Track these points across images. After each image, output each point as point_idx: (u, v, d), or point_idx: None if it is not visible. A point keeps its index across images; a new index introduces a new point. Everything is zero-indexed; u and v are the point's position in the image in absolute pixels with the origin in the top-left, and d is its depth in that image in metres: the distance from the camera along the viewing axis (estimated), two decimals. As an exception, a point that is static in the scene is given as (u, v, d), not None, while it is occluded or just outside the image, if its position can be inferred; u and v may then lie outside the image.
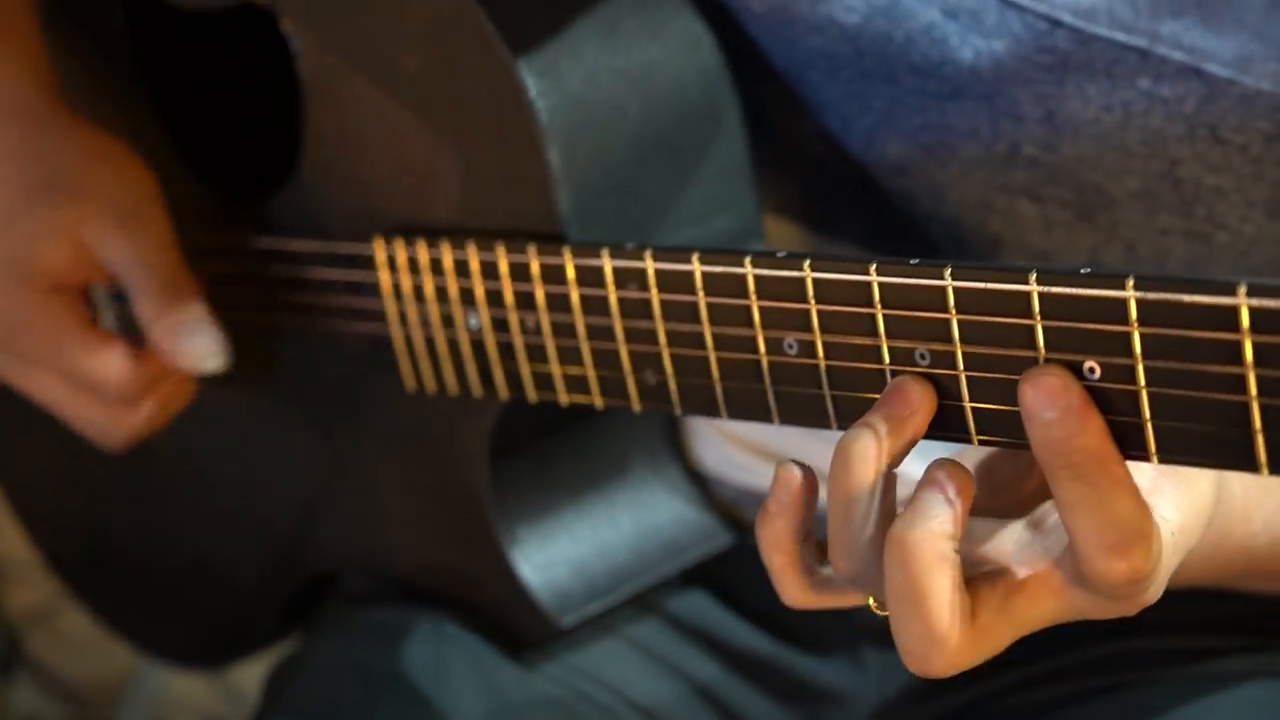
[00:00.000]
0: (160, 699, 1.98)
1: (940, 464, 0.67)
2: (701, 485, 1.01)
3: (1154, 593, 0.67)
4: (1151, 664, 0.93)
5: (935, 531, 0.65)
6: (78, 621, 2.01)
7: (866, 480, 0.68)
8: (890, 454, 0.68)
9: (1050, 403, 0.64)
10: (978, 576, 0.68)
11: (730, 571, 1.02)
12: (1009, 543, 0.69)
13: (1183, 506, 0.68)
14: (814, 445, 0.98)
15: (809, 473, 0.71)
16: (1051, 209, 0.88)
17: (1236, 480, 0.73)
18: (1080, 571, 0.66)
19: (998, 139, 0.87)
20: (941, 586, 0.65)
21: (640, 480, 0.99)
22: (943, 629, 0.66)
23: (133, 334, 1.00)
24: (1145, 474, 0.67)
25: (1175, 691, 0.93)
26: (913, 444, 0.69)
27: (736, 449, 1.00)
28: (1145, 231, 0.87)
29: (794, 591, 0.73)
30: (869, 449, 0.68)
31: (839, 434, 0.89)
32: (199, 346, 0.97)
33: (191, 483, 1.14)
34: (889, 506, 0.68)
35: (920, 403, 0.68)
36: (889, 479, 0.68)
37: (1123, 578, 0.65)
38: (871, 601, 0.72)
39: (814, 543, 0.73)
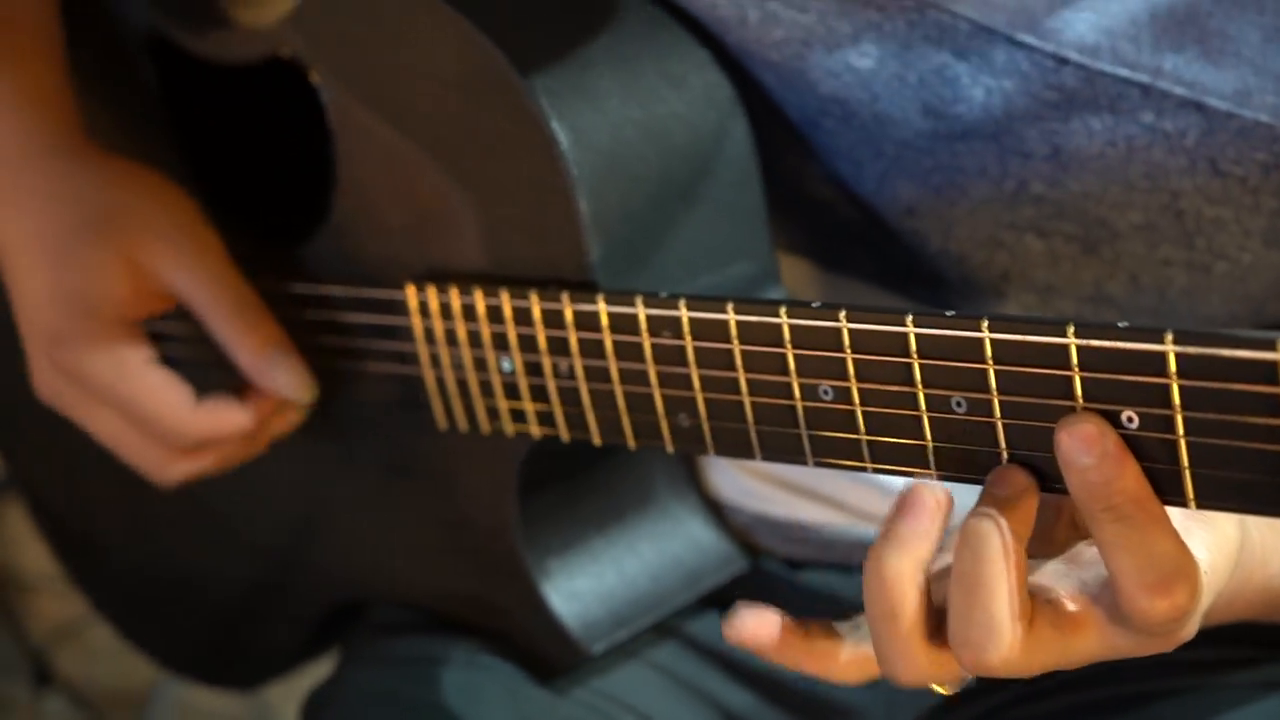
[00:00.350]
0: (182, 706, 1.95)
1: (1005, 469, 0.65)
2: (718, 513, 0.98)
3: (1189, 630, 0.65)
4: (1160, 675, 0.90)
5: (996, 526, 0.63)
6: (102, 634, 1.99)
7: (909, 598, 0.65)
8: (922, 561, 0.65)
9: (1087, 449, 0.62)
10: (1033, 598, 0.65)
11: (744, 594, 0.99)
12: (1048, 579, 0.67)
13: (1211, 547, 0.66)
14: (835, 478, 0.96)
15: (755, 616, 0.70)
16: (1058, 243, 0.86)
17: (1254, 526, 0.71)
18: (1122, 610, 0.64)
19: (1006, 177, 0.85)
20: (1004, 575, 0.63)
21: (661, 511, 0.97)
22: (1003, 621, 0.63)
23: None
24: (1174, 516, 0.65)
25: (1184, 703, 0.91)
26: (936, 544, 0.66)
27: (751, 478, 0.98)
28: (1148, 263, 0.86)
29: (849, 676, 0.71)
30: (905, 571, 0.65)
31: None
32: (288, 374, 0.93)
33: (222, 513, 1.11)
34: (930, 615, 0.66)
35: (938, 509, 0.66)
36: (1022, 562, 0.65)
37: (1164, 615, 0.63)
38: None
39: (822, 631, 0.71)
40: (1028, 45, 0.82)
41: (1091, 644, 0.65)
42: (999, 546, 0.63)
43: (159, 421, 0.95)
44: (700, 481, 0.98)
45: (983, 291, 0.89)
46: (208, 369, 0.96)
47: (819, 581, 0.98)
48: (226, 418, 0.95)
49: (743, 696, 0.98)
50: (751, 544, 0.99)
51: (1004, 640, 0.64)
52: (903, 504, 0.66)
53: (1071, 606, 0.65)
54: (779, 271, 0.90)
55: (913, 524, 0.65)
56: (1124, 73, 0.81)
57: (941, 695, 0.70)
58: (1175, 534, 0.62)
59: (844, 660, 0.71)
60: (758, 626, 0.70)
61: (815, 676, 0.72)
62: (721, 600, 1.00)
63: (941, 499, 0.66)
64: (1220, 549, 0.67)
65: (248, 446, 0.98)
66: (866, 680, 0.71)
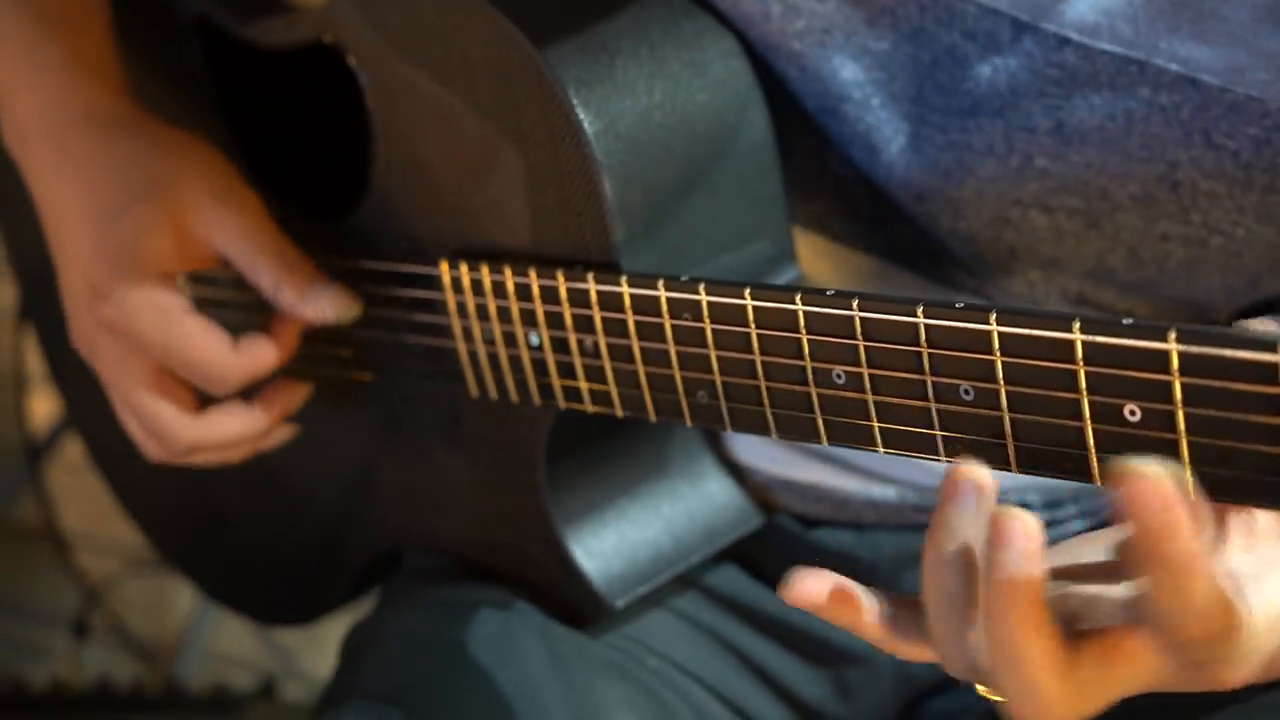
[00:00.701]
0: (211, 655, 1.96)
1: (1006, 514, 0.60)
2: (735, 472, 0.97)
3: (1245, 673, 0.62)
4: None
5: (1020, 590, 0.59)
6: (136, 589, 2.00)
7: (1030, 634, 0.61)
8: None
9: (1145, 505, 0.57)
10: (1078, 632, 0.62)
11: (759, 548, 0.98)
12: (1110, 603, 0.64)
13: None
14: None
15: (824, 579, 0.68)
16: (1061, 218, 0.84)
17: None
18: (1162, 634, 0.61)
19: (1012, 152, 0.83)
20: (1039, 647, 0.60)
21: (679, 472, 0.95)
22: (1043, 684, 0.60)
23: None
24: (1250, 560, 0.63)
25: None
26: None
27: (769, 443, 0.96)
28: (1146, 238, 0.84)
29: (952, 644, 0.66)
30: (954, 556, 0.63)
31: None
32: (332, 300, 0.92)
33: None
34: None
35: (986, 487, 0.62)
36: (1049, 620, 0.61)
37: (1200, 638, 0.59)
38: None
39: (872, 596, 0.69)
40: (1032, 26, 0.80)
41: (1146, 669, 0.62)
42: (1023, 618, 0.60)
43: (201, 365, 0.93)
44: (718, 443, 0.97)
45: (990, 267, 0.87)
46: (236, 330, 0.94)
47: (831, 539, 0.97)
48: (262, 355, 0.93)
49: (759, 643, 0.97)
50: (767, 502, 0.97)
51: (1047, 703, 0.61)
52: (948, 490, 0.63)
53: (1122, 633, 0.62)
54: (795, 251, 0.88)
55: (962, 507, 0.62)
56: (1122, 51, 0.79)
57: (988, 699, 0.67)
58: (1213, 581, 0.58)
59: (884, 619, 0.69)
60: (819, 584, 0.68)
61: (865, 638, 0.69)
62: (738, 554, 0.99)
63: (985, 481, 0.62)
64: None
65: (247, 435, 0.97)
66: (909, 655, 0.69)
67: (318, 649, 1.93)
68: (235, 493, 1.16)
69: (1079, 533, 0.72)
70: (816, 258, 0.91)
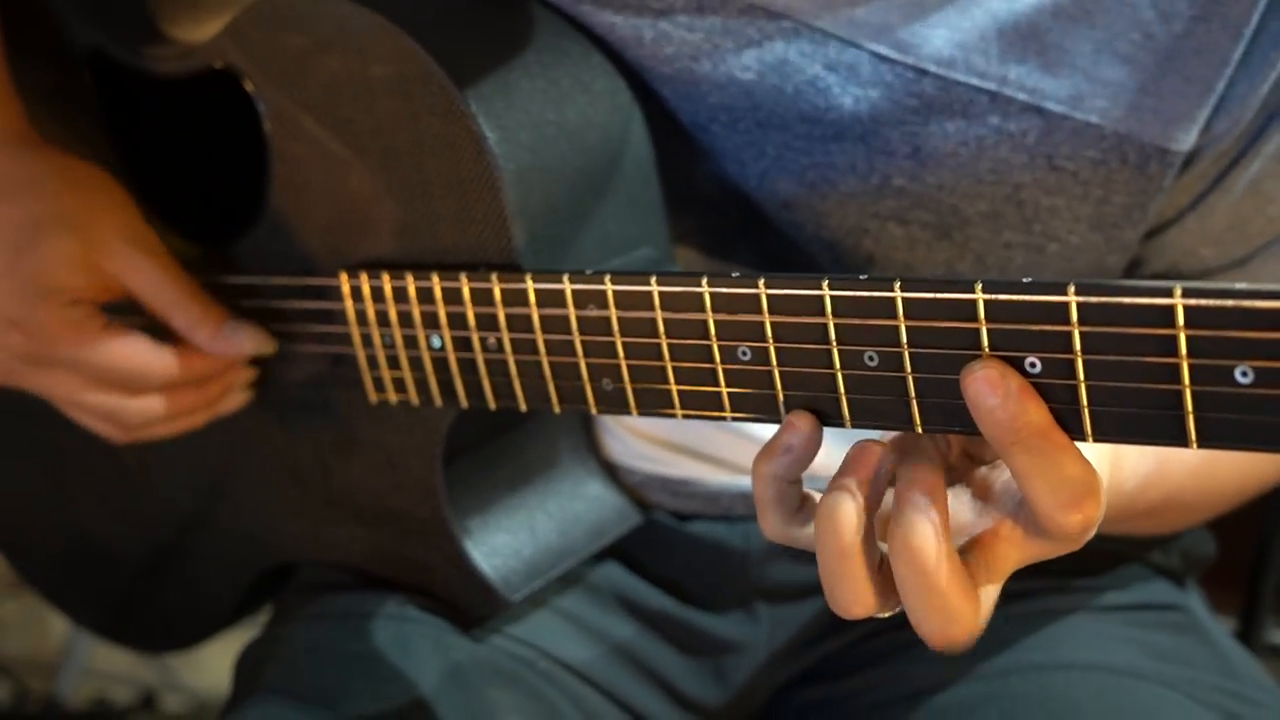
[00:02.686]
0: (91, 672, 1.85)
1: (913, 465, 0.61)
2: (613, 473, 0.94)
3: (1093, 532, 0.62)
4: (1008, 603, 0.88)
5: (931, 534, 0.59)
6: (10, 610, 1.88)
7: (857, 542, 0.61)
8: (868, 510, 0.61)
9: (992, 390, 0.58)
10: (963, 551, 0.61)
11: (638, 545, 0.95)
12: (965, 515, 0.63)
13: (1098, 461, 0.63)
14: (717, 435, 0.92)
15: (819, 426, 0.64)
16: (915, 230, 0.83)
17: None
18: (1040, 527, 0.60)
19: (872, 173, 0.82)
20: (946, 573, 0.59)
21: (565, 474, 0.92)
22: (956, 606, 0.59)
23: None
24: None
25: (1030, 625, 0.89)
26: (882, 495, 0.62)
27: (642, 442, 0.93)
28: (992, 245, 0.83)
29: (773, 524, 0.65)
30: (853, 515, 0.61)
31: (728, 424, 0.83)
32: (249, 336, 0.86)
33: (154, 485, 1.02)
34: (874, 545, 0.62)
35: (883, 462, 0.62)
36: (870, 529, 0.61)
37: (1079, 528, 0.59)
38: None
39: (800, 487, 0.66)
40: (890, 59, 0.79)
41: (1013, 557, 0.62)
42: (935, 553, 0.59)
43: (122, 370, 0.86)
44: (597, 446, 0.94)
45: (850, 273, 0.86)
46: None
47: (706, 532, 0.94)
48: (186, 359, 0.87)
49: (640, 636, 0.93)
50: (644, 500, 0.94)
51: (963, 620, 0.60)
52: (850, 459, 0.62)
53: (987, 536, 0.62)
54: (675, 256, 0.86)
55: (859, 475, 0.61)
56: (975, 81, 0.78)
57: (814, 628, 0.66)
58: (1081, 456, 0.58)
59: (787, 507, 0.66)
60: (812, 435, 0.64)
61: (757, 500, 0.66)
62: (619, 551, 0.96)
63: (883, 454, 0.62)
64: (1099, 464, 0.64)
65: (202, 403, 0.90)
66: (779, 539, 0.66)
67: (196, 662, 1.82)
68: (112, 521, 1.07)
69: None
70: (690, 268, 0.89)
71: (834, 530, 0.61)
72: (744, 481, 0.92)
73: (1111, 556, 0.93)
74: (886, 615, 0.64)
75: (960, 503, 0.64)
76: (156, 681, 1.81)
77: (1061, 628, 0.89)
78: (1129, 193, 0.80)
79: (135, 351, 0.86)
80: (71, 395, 0.88)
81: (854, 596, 0.62)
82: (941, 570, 0.59)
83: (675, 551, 0.95)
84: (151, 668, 1.84)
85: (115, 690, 1.79)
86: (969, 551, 0.62)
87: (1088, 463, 0.59)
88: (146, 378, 0.86)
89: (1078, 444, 0.59)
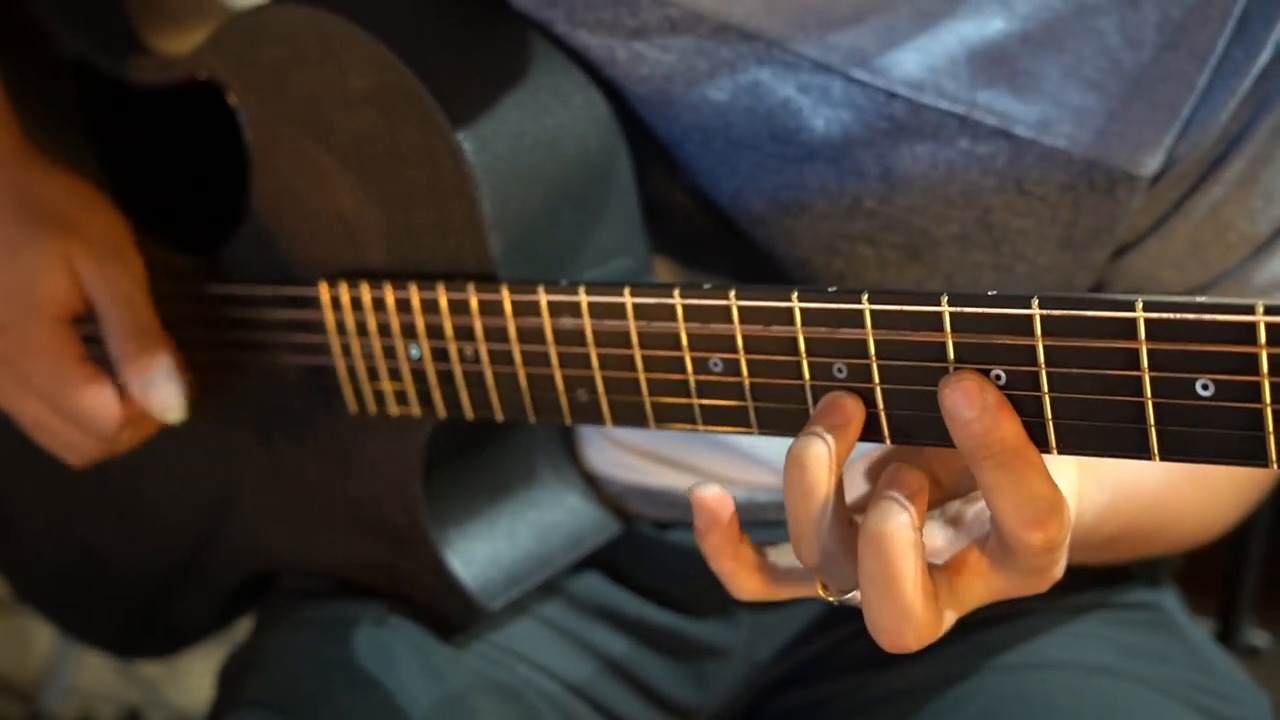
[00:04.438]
0: (76, 688, 1.85)
1: (899, 467, 0.61)
2: (592, 483, 0.94)
3: (1059, 569, 0.62)
4: (984, 606, 0.89)
5: (904, 523, 0.59)
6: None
7: (823, 480, 0.61)
8: (838, 457, 0.61)
9: (969, 403, 0.58)
10: (931, 568, 0.61)
11: (619, 555, 0.95)
12: (938, 539, 0.64)
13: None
14: (696, 446, 0.93)
15: (719, 489, 0.64)
16: (885, 251, 0.83)
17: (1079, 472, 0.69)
18: (1005, 546, 0.60)
19: (843, 194, 0.82)
20: (912, 570, 0.59)
21: (543, 485, 0.92)
22: (915, 607, 0.59)
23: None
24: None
25: (1007, 627, 0.90)
26: (851, 447, 0.63)
27: (621, 452, 0.93)
28: (961, 265, 0.84)
29: (746, 586, 0.66)
30: (822, 454, 0.61)
31: (705, 434, 0.84)
32: (165, 396, 0.85)
33: (138, 494, 1.02)
34: (842, 502, 0.62)
35: (854, 413, 0.62)
36: (839, 478, 0.62)
37: (1041, 546, 0.59)
38: (822, 590, 0.65)
39: (750, 543, 0.66)
40: (861, 81, 0.79)
41: (979, 587, 0.62)
42: (906, 543, 0.59)
43: (86, 414, 0.87)
44: (577, 457, 0.94)
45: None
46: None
47: (685, 540, 0.94)
48: (140, 408, 0.87)
49: (621, 643, 0.94)
50: (624, 510, 0.94)
51: (920, 624, 0.60)
52: (822, 407, 0.62)
53: (956, 562, 0.62)
54: (652, 267, 0.86)
55: (828, 422, 0.62)
56: (945, 105, 0.78)
57: (827, 601, 0.65)
58: (1049, 476, 0.59)
59: (751, 567, 0.66)
60: (719, 501, 0.64)
61: (721, 575, 0.67)
62: (600, 560, 0.96)
63: (855, 408, 0.62)
64: (1068, 496, 0.64)
65: (152, 424, 0.90)
66: (758, 596, 0.67)
67: (179, 680, 1.82)
68: (96, 526, 1.07)
69: None
70: (667, 280, 0.90)
71: (799, 468, 0.61)
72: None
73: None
74: (833, 600, 0.64)
75: (933, 528, 0.64)
76: (140, 699, 1.81)
77: (1037, 628, 0.90)
78: (1096, 216, 0.80)
79: (100, 400, 0.86)
80: (37, 419, 0.88)
81: (810, 548, 0.62)
82: (907, 566, 0.59)
83: (656, 560, 0.95)
84: (135, 685, 1.84)
85: (99, 708, 1.79)
86: (936, 573, 0.62)
87: (1054, 483, 0.59)
88: (102, 427, 0.87)
89: (1049, 456, 0.60)
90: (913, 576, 0.59)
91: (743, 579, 0.66)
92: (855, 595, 0.63)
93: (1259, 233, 0.81)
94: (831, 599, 0.64)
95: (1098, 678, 0.86)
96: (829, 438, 0.61)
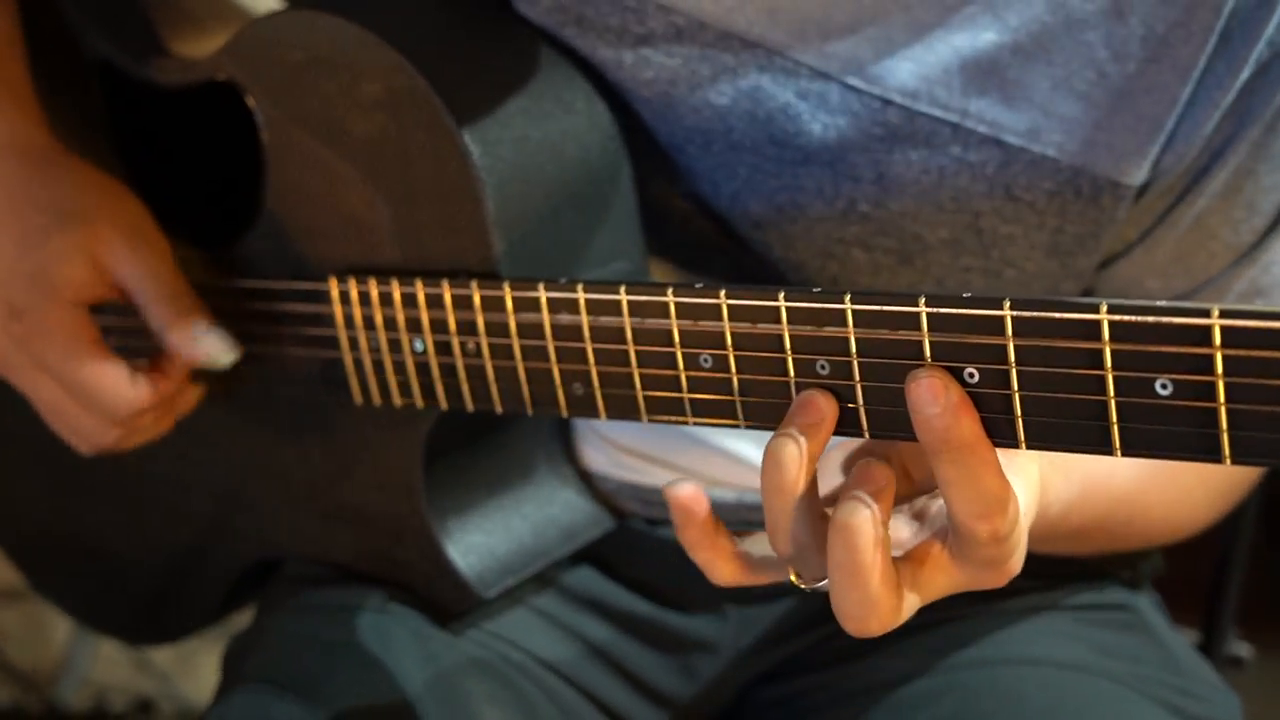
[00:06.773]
0: (90, 680, 1.88)
1: (869, 462, 0.64)
2: (588, 480, 0.97)
3: (1015, 563, 0.65)
4: (963, 602, 0.92)
5: (869, 517, 0.62)
6: (13, 616, 1.90)
7: (796, 477, 0.64)
8: (810, 455, 0.64)
9: (933, 400, 0.62)
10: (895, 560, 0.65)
11: (612, 549, 0.98)
12: (904, 532, 0.67)
13: (1024, 491, 0.67)
14: (687, 447, 0.95)
15: (693, 486, 0.68)
16: (879, 255, 0.86)
17: (1042, 467, 0.71)
18: (958, 537, 0.63)
19: (838, 197, 0.85)
20: (878, 561, 0.62)
21: (540, 479, 0.95)
22: (880, 596, 0.62)
23: (130, 358, 0.90)
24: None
25: (971, 625, 0.93)
26: (824, 444, 0.66)
27: (616, 451, 0.96)
28: (952, 270, 0.86)
29: (724, 574, 0.69)
30: (794, 453, 0.64)
31: (696, 430, 0.87)
32: (213, 345, 0.88)
33: (149, 482, 1.05)
34: (815, 496, 0.65)
35: (827, 411, 0.65)
36: (812, 474, 0.65)
37: (988, 537, 0.62)
38: (794, 576, 0.68)
39: (727, 533, 0.69)
40: (858, 89, 0.82)
41: (940, 580, 0.65)
42: (871, 536, 0.62)
43: (97, 395, 0.89)
44: (574, 454, 0.97)
45: None
46: (133, 355, 0.91)
47: (675, 537, 0.95)
48: (155, 389, 0.90)
49: (612, 635, 0.96)
50: (617, 507, 0.97)
51: (883, 611, 0.63)
52: (797, 407, 0.66)
53: (918, 553, 0.65)
54: (650, 270, 0.89)
55: (801, 421, 0.65)
56: (937, 112, 0.81)
57: (799, 587, 0.69)
58: (1000, 473, 0.62)
59: (728, 556, 0.70)
60: (692, 499, 0.68)
61: (700, 564, 0.70)
62: (593, 555, 0.99)
63: (829, 406, 0.65)
64: (1029, 492, 0.67)
65: (160, 422, 0.93)
66: (735, 583, 0.70)
67: (192, 672, 1.85)
68: (107, 517, 1.10)
69: None
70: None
71: (775, 465, 0.64)
72: (714, 492, 0.95)
73: (1063, 560, 0.96)
74: (804, 587, 0.67)
75: (899, 521, 0.67)
76: (153, 690, 1.84)
77: (1013, 625, 0.92)
78: (1083, 223, 0.83)
79: (113, 380, 0.88)
80: (53, 402, 0.91)
81: (784, 540, 0.65)
82: (873, 558, 0.62)
83: (647, 555, 0.98)
84: (149, 677, 1.86)
85: (112, 698, 1.82)
86: (900, 564, 0.65)
87: (1005, 480, 0.62)
88: (115, 409, 0.89)
89: (1014, 451, 0.63)
90: (878, 567, 0.62)
91: (720, 567, 0.69)
92: (826, 583, 0.66)
93: (1241, 242, 0.84)
94: (803, 586, 0.67)
95: (1071, 674, 0.88)
96: (801, 439, 0.64)
